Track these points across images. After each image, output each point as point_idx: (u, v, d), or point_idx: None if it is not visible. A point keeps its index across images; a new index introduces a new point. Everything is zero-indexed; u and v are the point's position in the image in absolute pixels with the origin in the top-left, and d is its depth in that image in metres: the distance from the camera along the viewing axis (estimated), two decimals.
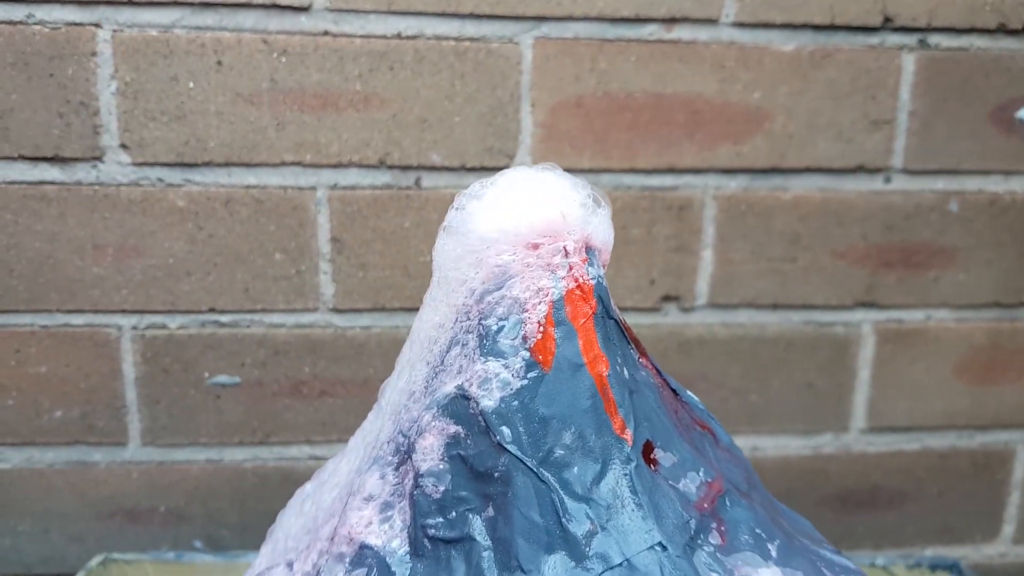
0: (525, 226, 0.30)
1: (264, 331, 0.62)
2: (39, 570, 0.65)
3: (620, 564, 0.28)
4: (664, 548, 0.29)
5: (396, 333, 0.63)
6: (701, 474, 0.31)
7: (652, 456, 0.31)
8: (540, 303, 0.30)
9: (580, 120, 0.61)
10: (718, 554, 0.30)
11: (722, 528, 0.31)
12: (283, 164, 0.59)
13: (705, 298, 0.65)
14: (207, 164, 0.59)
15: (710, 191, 0.63)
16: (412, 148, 0.60)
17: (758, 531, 0.31)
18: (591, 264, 0.32)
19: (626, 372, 0.32)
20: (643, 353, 0.34)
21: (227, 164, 0.59)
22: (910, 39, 0.62)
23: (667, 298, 0.64)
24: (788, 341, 0.66)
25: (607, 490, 0.29)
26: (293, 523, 0.34)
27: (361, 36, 0.58)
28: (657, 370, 0.35)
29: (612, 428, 0.30)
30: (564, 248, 0.31)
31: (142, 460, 0.63)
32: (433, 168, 0.61)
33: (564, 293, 0.31)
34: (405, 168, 0.60)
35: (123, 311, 0.61)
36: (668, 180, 0.62)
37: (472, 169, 0.61)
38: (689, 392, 0.36)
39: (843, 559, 0.34)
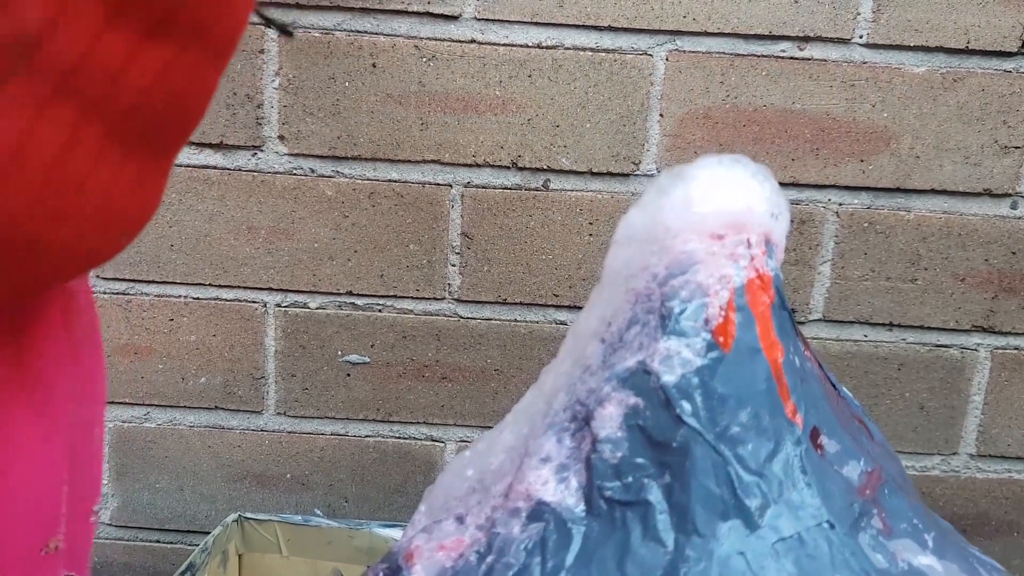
0: (712, 217, 0.33)
1: (395, 316, 0.66)
2: (171, 525, 0.70)
3: (791, 536, 0.30)
4: (832, 526, 0.31)
5: (514, 326, 0.66)
6: (862, 463, 0.33)
7: (819, 442, 0.33)
8: (722, 289, 0.33)
9: (707, 131, 0.63)
10: (880, 538, 0.32)
11: (883, 515, 0.32)
12: (423, 161, 0.63)
13: (820, 312, 0.66)
14: (356, 158, 0.63)
15: (832, 207, 0.64)
16: (543, 152, 0.63)
17: (915, 521, 0.33)
18: (770, 257, 0.34)
19: (797, 361, 0.34)
20: (807, 346, 0.36)
21: (373, 159, 0.63)
22: None
23: None
24: (901, 361, 0.66)
25: (779, 468, 0.32)
26: (456, 484, 0.38)
27: (504, 44, 0.62)
28: (820, 364, 0.37)
29: (784, 411, 0.33)
30: (747, 240, 0.33)
31: (274, 428, 0.68)
32: (561, 171, 0.64)
33: (746, 282, 0.33)
34: (535, 170, 0.64)
35: (269, 289, 0.65)
36: (791, 193, 0.64)
37: (598, 174, 0.64)
38: (845, 389, 0.38)
39: (991, 560, 0.35)
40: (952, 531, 0.37)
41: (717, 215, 0.33)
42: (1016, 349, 0.66)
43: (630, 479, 0.32)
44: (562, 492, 0.33)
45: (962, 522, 0.69)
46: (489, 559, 0.33)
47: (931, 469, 0.68)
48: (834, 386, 0.37)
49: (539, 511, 0.33)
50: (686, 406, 0.32)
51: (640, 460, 0.33)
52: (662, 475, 0.32)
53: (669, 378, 0.32)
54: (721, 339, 0.33)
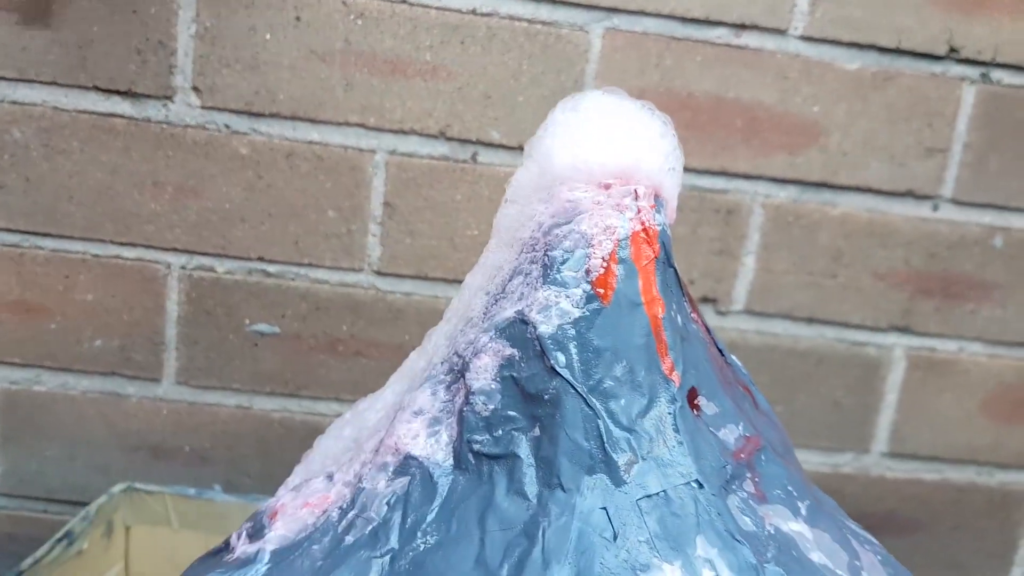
0: (599, 166, 0.31)
1: (308, 285, 0.63)
2: (60, 496, 0.66)
3: (657, 494, 0.29)
4: (700, 485, 0.30)
5: (435, 303, 0.64)
6: (740, 428, 0.32)
7: (696, 402, 0.32)
8: (606, 240, 0.31)
9: None
10: (751, 501, 0.31)
11: (756, 479, 0.31)
12: (346, 124, 0.61)
13: (742, 304, 0.65)
14: (274, 115, 0.61)
15: (759, 198, 0.64)
16: (473, 122, 0.61)
17: (790, 488, 0.32)
18: (658, 211, 0.33)
19: (679, 319, 0.33)
20: (695, 308, 0.35)
21: (293, 118, 0.61)
22: (973, 71, 0.63)
23: (705, 299, 0.65)
24: (819, 357, 0.66)
25: (651, 424, 0.30)
26: (331, 445, 0.36)
27: (437, 8, 0.60)
28: (707, 328, 0.35)
29: (661, 368, 0.31)
30: (635, 191, 0.32)
31: (174, 398, 0.65)
32: (491, 144, 0.62)
33: (630, 234, 0.32)
34: (464, 141, 0.62)
35: (174, 249, 0.62)
36: (719, 183, 0.63)
37: None
38: (733, 356, 0.37)
39: (866, 533, 0.35)
40: (832, 504, 0.36)
41: (605, 163, 0.32)
42: (930, 350, 0.66)
43: (500, 432, 0.31)
44: (432, 446, 0.31)
45: (870, 519, 0.69)
46: (350, 514, 0.31)
47: (843, 466, 0.68)
48: (721, 352, 0.36)
49: (406, 465, 0.31)
50: (560, 358, 0.31)
51: (512, 413, 0.31)
52: (532, 428, 0.31)
53: (546, 328, 0.31)
54: (601, 291, 0.31)
